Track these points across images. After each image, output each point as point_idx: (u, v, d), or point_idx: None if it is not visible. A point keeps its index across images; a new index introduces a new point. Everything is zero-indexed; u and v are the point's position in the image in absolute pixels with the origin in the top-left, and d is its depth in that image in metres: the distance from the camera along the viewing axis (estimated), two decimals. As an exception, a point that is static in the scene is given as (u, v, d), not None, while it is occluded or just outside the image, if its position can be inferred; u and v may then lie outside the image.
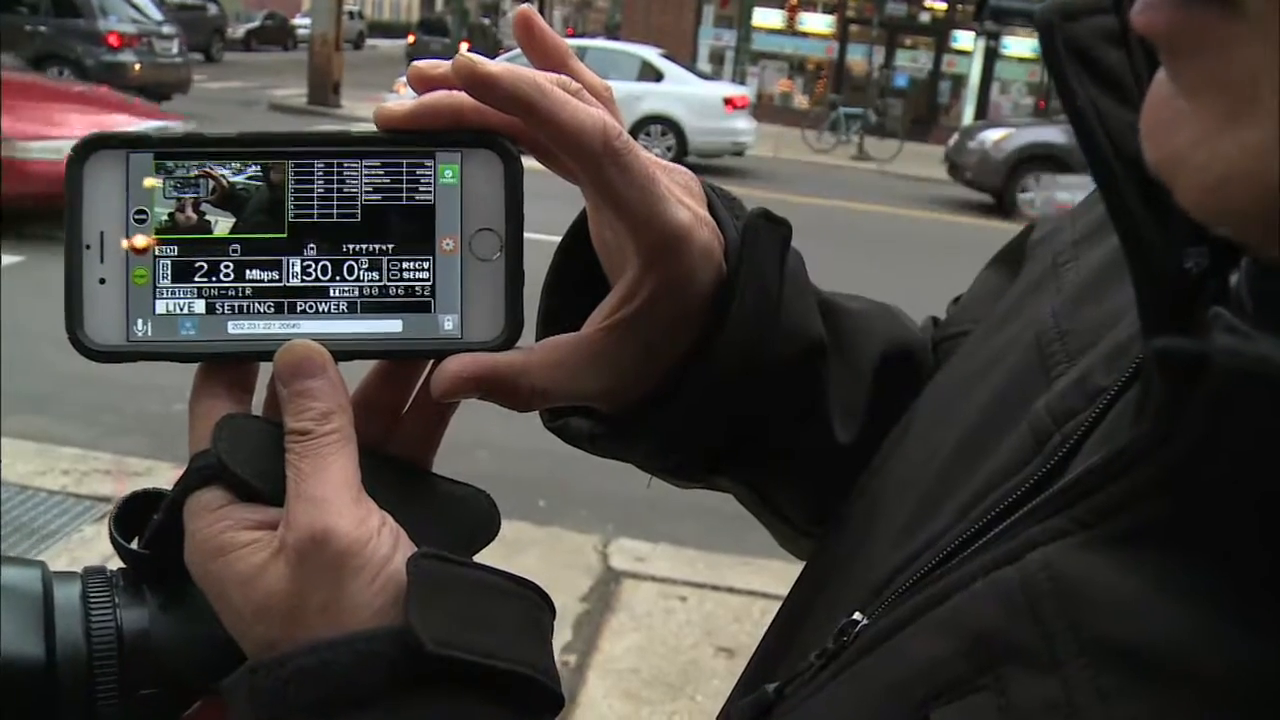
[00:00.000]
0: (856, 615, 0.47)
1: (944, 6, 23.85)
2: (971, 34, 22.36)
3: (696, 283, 0.52)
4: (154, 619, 0.50)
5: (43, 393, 4.86)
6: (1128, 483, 0.36)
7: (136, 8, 14.51)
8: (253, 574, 0.46)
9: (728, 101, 14.98)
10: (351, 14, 34.76)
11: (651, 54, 15.54)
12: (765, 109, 21.10)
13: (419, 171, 0.51)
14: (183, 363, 0.50)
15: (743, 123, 15.03)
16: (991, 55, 20.10)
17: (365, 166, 0.51)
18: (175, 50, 15.04)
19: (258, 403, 0.52)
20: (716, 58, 23.64)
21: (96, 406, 4.93)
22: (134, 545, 0.52)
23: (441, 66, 0.51)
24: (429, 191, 0.51)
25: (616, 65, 14.53)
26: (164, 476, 4.14)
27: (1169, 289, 0.37)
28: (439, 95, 0.50)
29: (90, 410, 4.89)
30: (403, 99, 0.52)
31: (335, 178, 0.50)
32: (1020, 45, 23.21)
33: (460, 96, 0.50)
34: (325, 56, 17.66)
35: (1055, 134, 13.65)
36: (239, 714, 0.45)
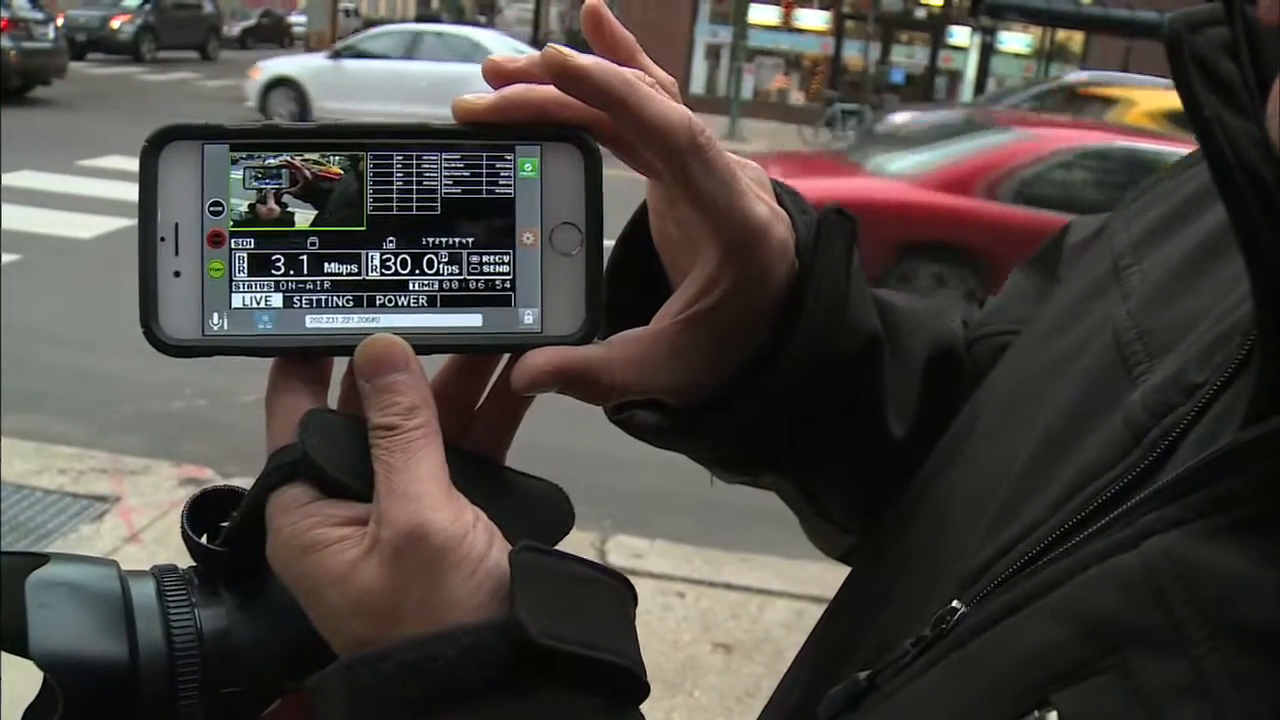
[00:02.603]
0: (955, 604, 0.47)
1: (939, 2, 23.85)
2: (967, 29, 22.34)
3: (772, 277, 0.52)
4: (232, 617, 0.49)
5: (40, 391, 4.86)
6: (1250, 473, 0.38)
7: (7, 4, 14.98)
8: (346, 571, 0.45)
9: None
10: (347, 11, 34.67)
11: (484, 36, 16.38)
12: (761, 106, 21.09)
13: (499, 165, 0.51)
14: (260, 357, 0.50)
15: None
16: (987, 51, 20.09)
17: (445, 159, 0.50)
18: (51, 36, 15.47)
19: (331, 398, 0.51)
20: (712, 54, 23.62)
21: (94, 405, 4.93)
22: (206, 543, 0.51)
23: (518, 61, 0.51)
24: (509, 185, 0.51)
25: (451, 47, 14.98)
26: (161, 474, 4.14)
27: None
28: (520, 89, 0.50)
29: (87, 408, 4.88)
30: (479, 93, 0.52)
31: (414, 170, 0.50)
32: (1016, 40, 23.21)
33: (541, 90, 0.50)
34: (321, 54, 17.63)
35: (952, 118, 13.72)
36: (331, 711, 0.45)
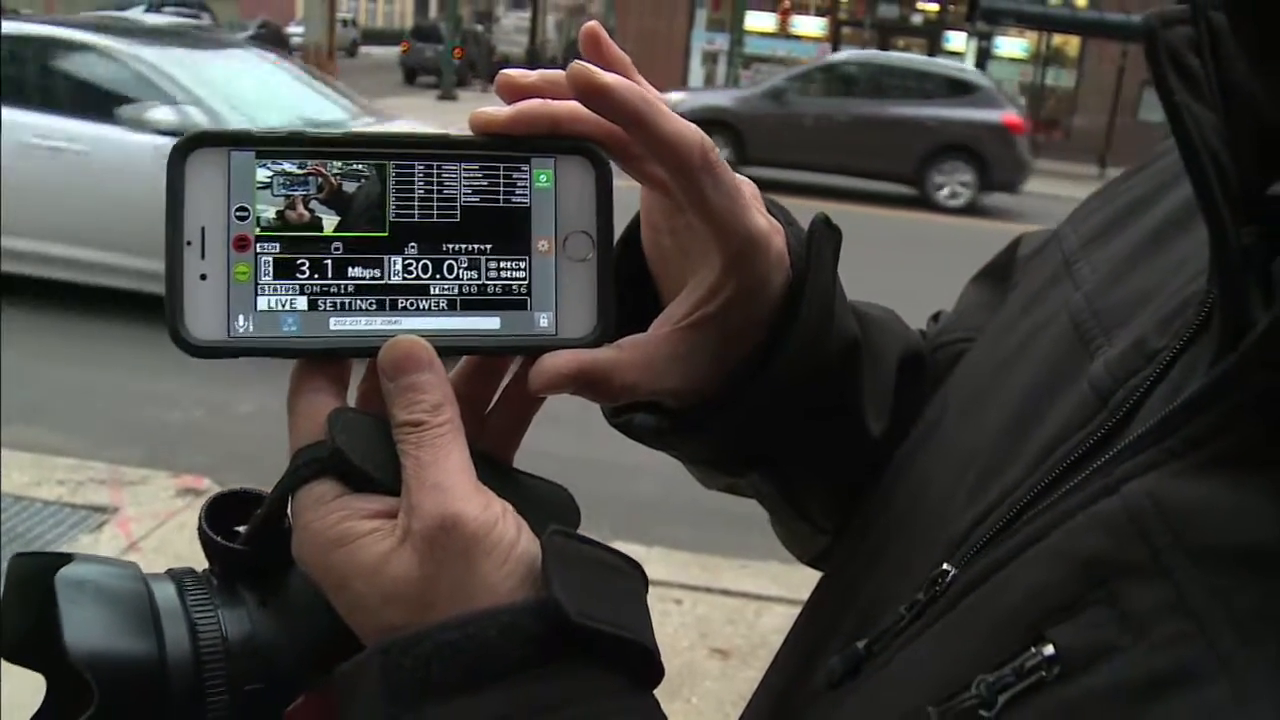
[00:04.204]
0: (945, 566, 0.50)
1: (935, 8, 23.90)
2: (963, 35, 22.41)
3: (770, 285, 0.55)
4: (254, 616, 0.50)
5: (39, 403, 4.87)
6: (1216, 413, 0.41)
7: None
8: (379, 562, 0.47)
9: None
10: (345, 22, 34.78)
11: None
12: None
13: (515, 175, 0.53)
14: (285, 358, 0.51)
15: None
16: (984, 56, 20.14)
17: (464, 169, 0.52)
18: None
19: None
20: (709, 61, 23.67)
21: (92, 416, 4.94)
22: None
23: (531, 76, 0.54)
24: (525, 195, 0.53)
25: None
26: (159, 485, 4.14)
27: (1239, 251, 0.42)
28: (534, 103, 0.53)
29: (86, 420, 4.89)
30: (498, 106, 0.54)
31: (435, 179, 0.52)
32: (1011, 45, 23.26)
33: (554, 105, 0.53)
34: (319, 65, 17.66)
35: (725, 99, 14.56)
36: (362, 698, 0.46)
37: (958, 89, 13.80)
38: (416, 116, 10.30)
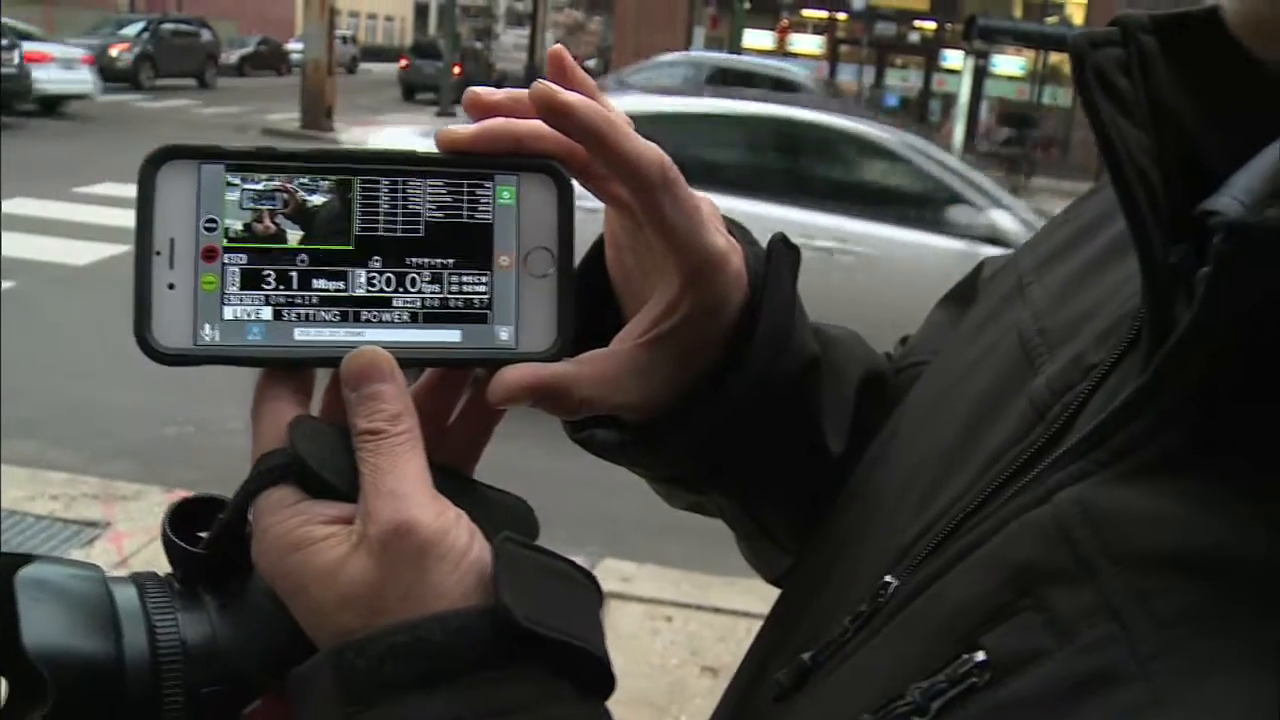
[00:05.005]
0: (888, 579, 0.51)
1: (933, 26, 23.98)
2: (961, 53, 22.48)
3: (728, 303, 0.56)
4: (214, 620, 0.51)
5: (33, 418, 4.87)
6: (1140, 422, 0.42)
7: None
8: (334, 566, 0.47)
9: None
10: (344, 39, 34.86)
11: None
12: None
13: (479, 192, 0.54)
14: (249, 366, 0.52)
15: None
16: (981, 74, 20.18)
17: (429, 186, 0.53)
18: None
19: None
20: (708, 79, 23.73)
21: (86, 431, 4.94)
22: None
23: (497, 94, 0.55)
24: (488, 211, 0.54)
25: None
26: (152, 500, 4.14)
27: (1167, 268, 0.44)
28: (499, 122, 0.54)
29: (80, 435, 4.89)
30: (463, 123, 0.55)
31: (400, 195, 0.53)
32: (1009, 64, 23.32)
33: (519, 124, 0.54)
34: (318, 81, 17.70)
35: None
36: (315, 700, 0.47)
37: (781, 88, 14.03)
38: (415, 132, 10.30)
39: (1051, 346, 0.53)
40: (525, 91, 0.53)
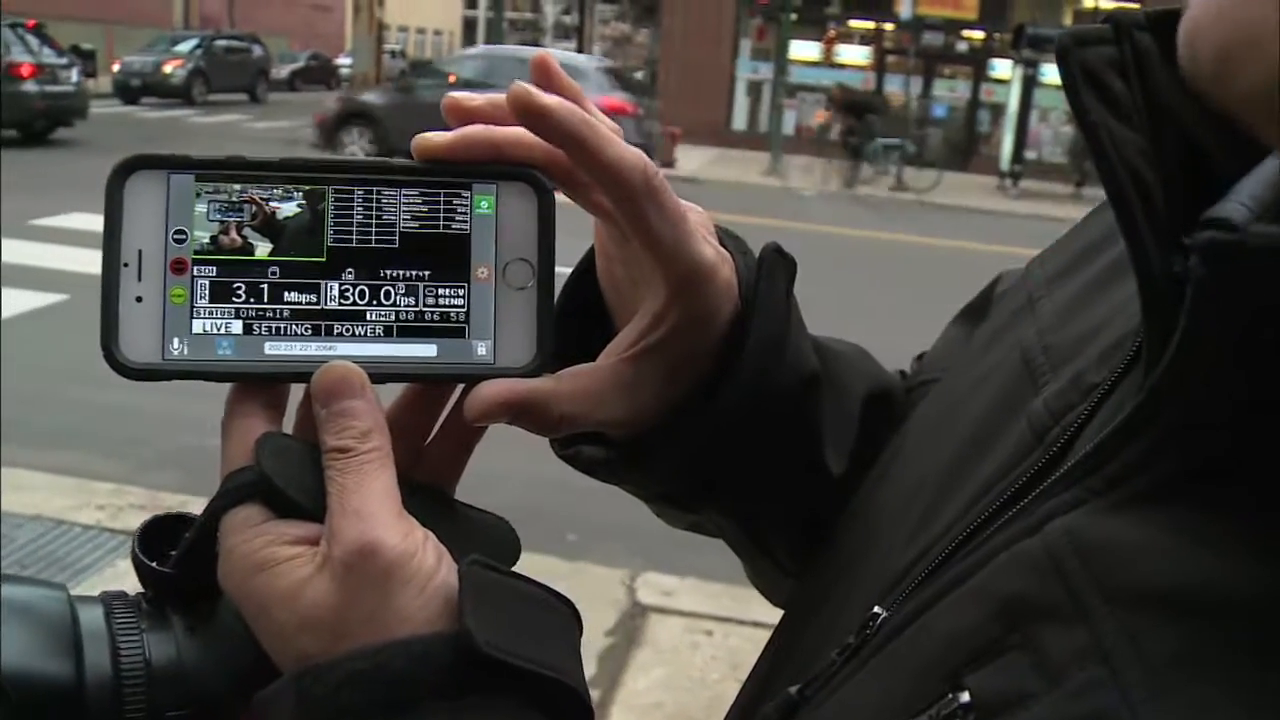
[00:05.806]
0: (876, 609, 0.49)
1: (981, 36, 23.82)
2: (1009, 62, 22.30)
3: (718, 315, 0.54)
4: (180, 642, 0.50)
5: (79, 428, 4.94)
6: (1133, 450, 0.40)
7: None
8: (297, 588, 0.46)
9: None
10: (393, 53, 35.23)
11: None
12: (804, 141, 21.12)
13: (455, 202, 0.52)
14: (218, 382, 0.51)
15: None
16: (1030, 83, 19.98)
17: (404, 195, 0.52)
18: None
19: (287, 425, 0.52)
20: (754, 91, 23.72)
21: (132, 441, 5.00)
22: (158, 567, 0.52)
23: (477, 100, 0.53)
24: (465, 221, 0.52)
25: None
26: (197, 510, 4.17)
27: (1163, 277, 0.41)
28: (477, 129, 0.52)
29: (125, 445, 4.96)
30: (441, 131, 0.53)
31: (374, 205, 0.51)
32: (1057, 73, 23.06)
33: (498, 131, 0.52)
34: (366, 95, 17.91)
35: (373, 96, 16.37)
36: None
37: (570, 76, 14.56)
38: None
39: (1055, 365, 0.51)
40: (504, 97, 0.51)
